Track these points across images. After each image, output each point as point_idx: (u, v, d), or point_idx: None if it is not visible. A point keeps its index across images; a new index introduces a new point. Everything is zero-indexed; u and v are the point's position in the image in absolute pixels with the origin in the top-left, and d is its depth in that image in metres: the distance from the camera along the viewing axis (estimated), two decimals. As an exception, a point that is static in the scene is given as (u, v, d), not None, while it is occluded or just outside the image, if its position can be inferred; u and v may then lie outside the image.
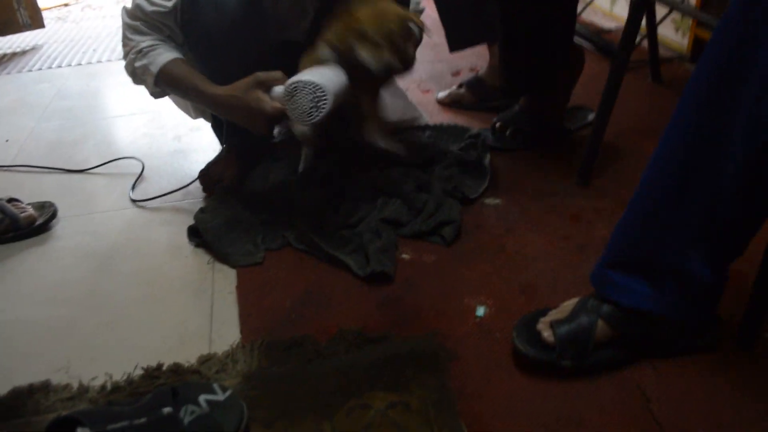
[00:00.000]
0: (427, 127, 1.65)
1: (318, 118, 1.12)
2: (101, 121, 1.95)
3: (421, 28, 1.23)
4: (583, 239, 1.25)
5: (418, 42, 1.26)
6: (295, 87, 1.12)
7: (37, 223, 1.41)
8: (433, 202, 1.32)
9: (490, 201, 1.39)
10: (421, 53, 2.13)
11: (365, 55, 1.15)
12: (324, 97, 1.12)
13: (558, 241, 1.24)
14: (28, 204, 1.45)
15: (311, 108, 1.12)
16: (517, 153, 1.57)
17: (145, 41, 1.26)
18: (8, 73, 2.42)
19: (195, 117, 1.54)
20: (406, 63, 1.20)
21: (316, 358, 1.01)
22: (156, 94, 1.33)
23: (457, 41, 1.75)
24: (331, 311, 1.11)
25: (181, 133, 1.78)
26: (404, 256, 1.23)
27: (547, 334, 0.96)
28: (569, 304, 1.00)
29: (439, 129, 1.63)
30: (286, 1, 1.31)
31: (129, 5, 1.28)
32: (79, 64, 2.46)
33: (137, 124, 1.88)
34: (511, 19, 1.41)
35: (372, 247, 1.20)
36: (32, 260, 1.32)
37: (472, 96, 1.82)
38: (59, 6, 3.38)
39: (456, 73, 2.09)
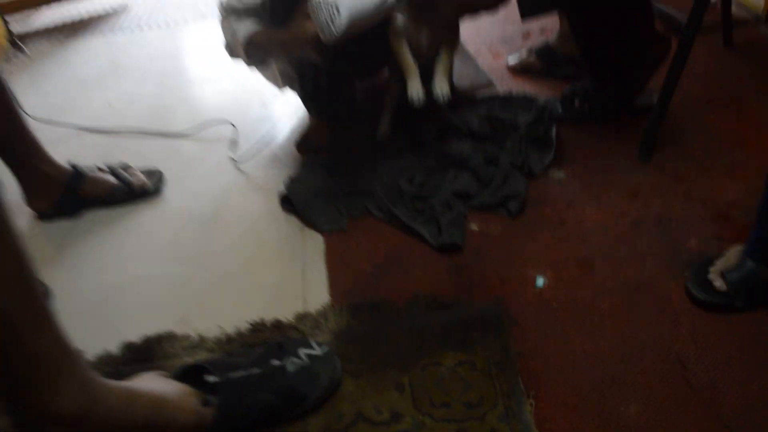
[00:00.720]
0: (496, 97, 1.75)
1: (332, 33, 1.26)
2: (192, 85, 2.13)
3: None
4: (638, 215, 1.36)
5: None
6: (316, 2, 1.27)
7: (148, 188, 1.62)
8: (501, 175, 1.45)
9: (555, 174, 1.50)
10: (493, 15, 2.21)
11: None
12: (336, 14, 1.25)
13: (615, 217, 1.36)
14: (138, 170, 1.65)
15: (327, 23, 1.26)
16: (583, 124, 1.66)
17: (233, 24, 1.45)
18: (102, 33, 2.62)
19: (282, 87, 1.69)
20: None
21: (395, 318, 1.18)
22: (249, 61, 1.51)
23: (528, 9, 1.82)
24: (407, 276, 1.27)
25: (266, 99, 1.94)
26: (473, 226, 1.37)
27: (719, 283, 1.12)
28: (735, 251, 1.14)
29: (508, 99, 1.73)
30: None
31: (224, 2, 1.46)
32: (167, 24, 2.63)
33: (225, 88, 2.05)
34: (585, 16, 1.47)
35: (444, 218, 1.35)
36: (146, 222, 1.53)
37: (542, 64, 1.89)
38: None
39: (527, 35, 2.15)
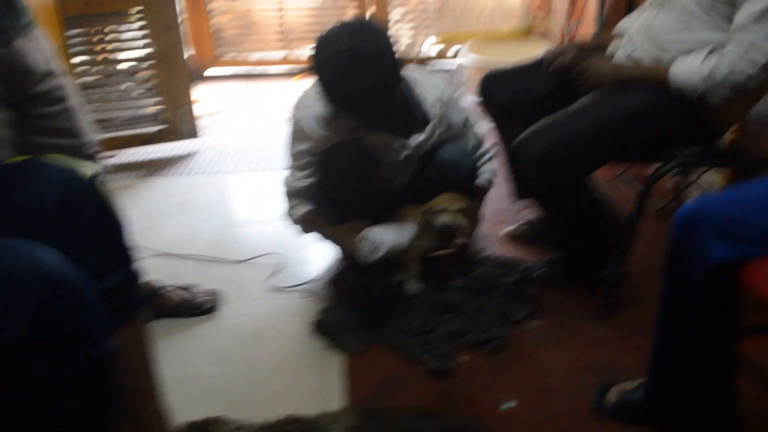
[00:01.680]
0: (489, 259, 2.18)
1: (365, 261, 1.87)
2: (247, 225, 2.61)
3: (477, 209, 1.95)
4: (592, 360, 1.73)
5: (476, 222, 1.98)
6: (362, 238, 1.86)
7: (206, 307, 2.02)
8: (487, 321, 1.85)
9: (531, 323, 1.90)
10: (499, 190, 2.69)
11: (444, 218, 1.82)
12: (377, 249, 1.84)
13: (574, 359, 1.73)
14: (200, 291, 2.07)
15: (369, 253, 1.84)
16: (560, 285, 2.06)
17: (292, 200, 1.99)
18: (173, 176, 3.17)
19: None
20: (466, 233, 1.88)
21: (396, 423, 1.53)
22: (303, 231, 2.06)
23: (522, 193, 2.28)
24: (407, 391, 1.64)
25: (309, 242, 2.39)
26: (462, 358, 1.75)
27: (612, 397, 1.52)
28: (639, 382, 1.51)
29: (497, 262, 2.16)
30: (386, 169, 1.94)
31: (287, 179, 2.00)
32: (225, 172, 3.17)
33: (276, 230, 2.51)
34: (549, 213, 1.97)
35: (439, 350, 1.73)
36: (205, 332, 1.93)
37: (531, 233, 2.34)
38: (211, 114, 4.20)
39: (521, 210, 2.61)
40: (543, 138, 1.81)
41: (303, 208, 1.98)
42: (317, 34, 1.70)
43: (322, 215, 2.00)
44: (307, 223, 2.02)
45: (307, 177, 1.95)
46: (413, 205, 2.00)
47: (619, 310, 1.93)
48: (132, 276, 1.15)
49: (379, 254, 1.86)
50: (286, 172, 2.00)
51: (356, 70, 1.64)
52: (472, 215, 1.98)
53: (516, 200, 2.37)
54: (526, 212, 2.56)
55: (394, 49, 1.72)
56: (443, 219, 1.89)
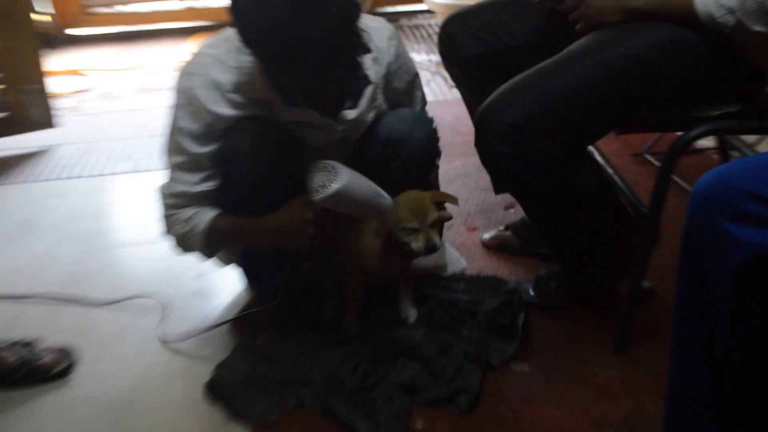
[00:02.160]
0: (462, 277, 2.14)
1: (322, 194, 1.67)
2: (119, 250, 2.54)
3: (454, 202, 1.86)
4: (602, 415, 1.69)
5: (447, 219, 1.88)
6: (323, 164, 1.71)
7: (55, 371, 1.93)
8: (453, 367, 1.80)
9: (516, 366, 1.85)
10: (474, 182, 2.68)
11: (413, 243, 1.79)
12: (335, 180, 1.67)
13: (576, 416, 1.69)
14: (46, 348, 1.99)
15: (320, 186, 1.68)
16: (557, 310, 2.03)
17: (185, 212, 1.87)
18: (14, 183, 3.08)
19: (227, 264, 2.09)
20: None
21: None
22: (208, 253, 1.94)
23: (500, 182, 2.25)
24: (339, 478, 1.58)
25: (201, 270, 2.33)
26: (417, 424, 1.70)
27: None
28: None
29: (474, 281, 2.12)
30: (312, 156, 1.87)
31: (165, 186, 1.89)
32: (92, 176, 3.10)
33: (157, 255, 2.44)
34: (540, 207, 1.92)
35: (384, 414, 1.68)
36: (48, 411, 1.84)
37: (517, 240, 2.31)
38: (74, 93, 4.12)
39: (509, 206, 2.59)
40: (519, 97, 1.77)
41: (203, 215, 1.86)
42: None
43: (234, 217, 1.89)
44: (214, 235, 1.87)
45: (202, 180, 1.86)
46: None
47: (638, 343, 1.89)
48: None
49: (334, 188, 1.68)
50: (164, 175, 1.91)
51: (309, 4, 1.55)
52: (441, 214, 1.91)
53: (495, 193, 2.34)
54: (510, 212, 2.54)
55: None
56: (421, 241, 1.82)
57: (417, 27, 4.98)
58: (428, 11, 4.79)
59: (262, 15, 1.57)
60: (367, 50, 1.81)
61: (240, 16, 1.62)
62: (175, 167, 1.87)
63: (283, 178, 1.85)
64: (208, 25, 5.10)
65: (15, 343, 1.97)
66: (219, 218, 1.87)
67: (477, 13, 2.17)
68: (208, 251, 1.95)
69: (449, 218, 1.88)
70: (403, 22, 5.07)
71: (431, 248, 1.78)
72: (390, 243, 1.86)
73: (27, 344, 1.99)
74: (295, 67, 1.63)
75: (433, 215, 1.80)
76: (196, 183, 1.86)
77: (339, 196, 1.69)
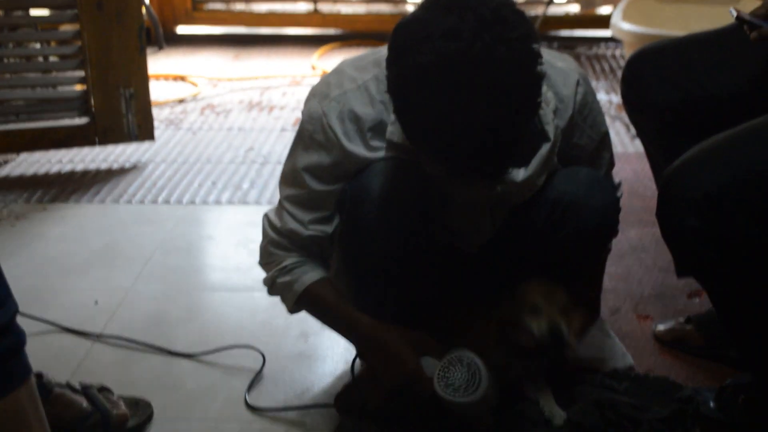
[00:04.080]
0: (626, 376, 2.17)
1: (453, 398, 1.79)
2: (213, 293, 2.69)
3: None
4: None
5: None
6: (457, 357, 1.82)
7: (129, 425, 2.07)
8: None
9: (686, 495, 1.87)
10: (651, 259, 2.69)
11: (534, 328, 1.86)
12: (480, 377, 1.79)
13: None
14: (120, 397, 2.13)
15: (466, 385, 1.79)
16: (745, 429, 2.03)
17: (289, 258, 1.97)
18: (103, 201, 3.29)
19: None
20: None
21: None
22: (294, 311, 2.04)
23: (685, 263, 2.27)
24: None
25: (309, 330, 2.44)
26: None
27: None
28: None
29: (641, 382, 2.14)
30: (457, 215, 1.96)
31: (273, 216, 2.00)
32: (189, 203, 3.28)
33: (257, 307, 2.57)
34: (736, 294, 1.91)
35: None
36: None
37: (700, 337, 2.31)
38: (173, 102, 4.37)
39: (694, 294, 2.60)
40: (719, 161, 1.79)
41: (306, 275, 1.97)
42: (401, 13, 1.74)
43: (340, 291, 2.00)
44: (309, 303, 2.01)
45: (318, 221, 1.96)
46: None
47: None
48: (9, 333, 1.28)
49: (480, 393, 1.82)
50: (273, 210, 2.03)
51: (479, 102, 1.59)
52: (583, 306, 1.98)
53: (677, 276, 2.36)
54: (695, 301, 2.54)
55: (539, 52, 1.68)
56: (544, 325, 1.89)
57: (597, 58, 5.02)
58: (613, 39, 4.84)
59: (422, 108, 1.64)
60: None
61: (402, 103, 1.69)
62: (288, 199, 1.97)
63: (416, 238, 1.93)
64: (337, 35, 5.31)
65: (89, 387, 2.09)
66: (321, 287, 1.97)
67: (675, 50, 2.20)
68: (295, 311, 2.06)
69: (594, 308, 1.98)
70: (581, 50, 5.14)
71: (556, 337, 1.85)
72: (507, 336, 1.94)
73: (102, 390, 2.11)
74: (465, 175, 1.75)
75: (563, 298, 1.88)
76: (308, 223, 1.94)
77: (470, 408, 1.82)
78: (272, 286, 2.03)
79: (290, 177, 1.97)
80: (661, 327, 2.41)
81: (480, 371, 1.82)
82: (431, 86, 1.60)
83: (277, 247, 1.99)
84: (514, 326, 1.91)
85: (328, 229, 1.95)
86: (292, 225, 1.95)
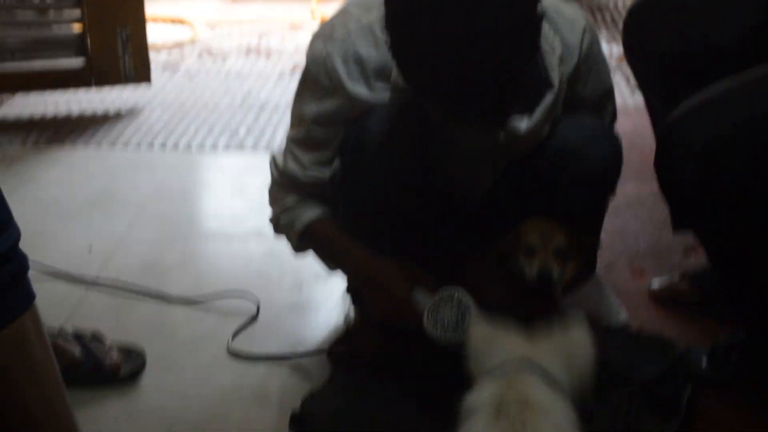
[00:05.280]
0: (618, 332, 2.17)
1: (440, 336, 1.80)
2: (208, 241, 2.69)
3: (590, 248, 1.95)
4: None
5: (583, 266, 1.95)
6: (449, 295, 1.82)
7: (121, 373, 2.07)
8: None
9: (674, 454, 1.88)
10: (648, 215, 2.69)
11: (526, 269, 1.85)
12: (469, 317, 1.78)
13: None
14: (113, 344, 2.13)
15: (455, 323, 1.80)
16: (737, 391, 2.03)
17: (290, 197, 1.98)
18: (99, 145, 3.28)
19: (332, 269, 2.19)
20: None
21: None
22: (299, 250, 2.05)
23: (683, 216, 2.26)
24: None
25: (304, 279, 2.44)
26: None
27: None
28: None
29: (634, 339, 2.14)
30: (459, 164, 1.95)
31: (278, 157, 2.00)
32: (185, 148, 3.27)
33: (251, 254, 2.58)
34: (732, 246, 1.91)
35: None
36: (109, 420, 1.98)
37: (695, 293, 2.31)
38: (171, 47, 4.34)
39: (689, 250, 2.59)
40: (719, 110, 1.78)
41: (306, 212, 1.99)
42: None
43: (342, 228, 2.01)
44: (310, 239, 2.03)
45: (318, 162, 1.97)
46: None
47: None
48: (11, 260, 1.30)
49: (466, 333, 1.81)
50: (281, 148, 2.03)
51: (474, 36, 1.57)
52: (581, 253, 1.97)
53: (673, 231, 2.35)
54: (690, 258, 2.54)
55: None
56: (536, 266, 1.90)
57: (600, 8, 4.99)
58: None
59: (419, 47, 1.63)
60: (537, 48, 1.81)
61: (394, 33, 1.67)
62: (291, 140, 1.98)
63: (419, 183, 1.94)
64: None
65: (81, 335, 2.10)
66: (320, 224, 1.99)
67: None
68: (300, 250, 2.07)
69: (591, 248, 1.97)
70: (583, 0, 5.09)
71: (545, 276, 1.85)
72: (502, 274, 1.94)
73: (94, 337, 2.11)
74: (462, 115, 1.73)
75: (561, 242, 1.86)
76: (308, 165, 1.95)
77: (454, 344, 1.80)
78: (276, 225, 2.06)
79: (294, 118, 1.99)
80: (655, 284, 2.41)
81: (470, 311, 1.83)
82: (427, 20, 1.59)
83: (280, 187, 2.01)
84: (509, 264, 1.92)
85: (326, 172, 1.96)
86: (292, 166, 1.96)
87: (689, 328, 2.25)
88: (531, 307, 1.94)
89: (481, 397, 1.54)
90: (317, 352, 2.16)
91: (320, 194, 1.99)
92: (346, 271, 2.07)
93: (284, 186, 2.00)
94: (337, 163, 1.96)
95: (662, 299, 2.37)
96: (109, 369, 2.08)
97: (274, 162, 2.02)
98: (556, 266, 1.86)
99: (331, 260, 2.08)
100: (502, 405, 1.50)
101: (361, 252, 1.96)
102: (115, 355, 2.10)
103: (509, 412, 1.49)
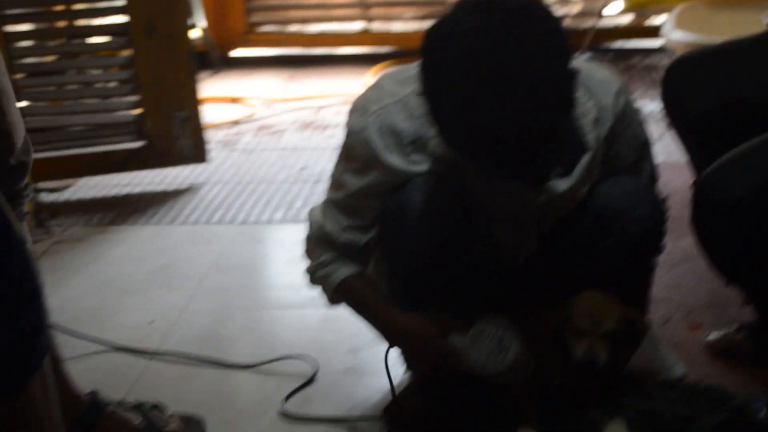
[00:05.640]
0: (675, 385, 2.16)
1: (497, 367, 1.80)
2: (266, 311, 2.74)
3: (643, 330, 1.97)
4: None
5: (635, 347, 1.98)
6: (477, 331, 1.84)
7: (181, 443, 2.12)
8: None
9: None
10: (703, 269, 2.68)
11: (573, 349, 1.86)
12: (505, 348, 1.80)
13: None
14: (173, 414, 2.17)
15: (492, 356, 1.81)
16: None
17: (327, 254, 2.02)
18: (158, 223, 3.36)
19: (380, 337, 2.22)
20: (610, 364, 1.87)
21: None
22: (333, 302, 2.09)
23: (732, 271, 2.25)
24: None
25: (360, 345, 2.47)
26: None
27: None
28: None
29: (691, 391, 2.13)
30: (502, 227, 1.98)
31: (317, 213, 2.05)
32: (243, 223, 3.34)
33: (307, 323, 2.61)
34: None
35: None
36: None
37: (752, 344, 2.29)
38: (227, 124, 4.44)
39: (746, 303, 2.57)
40: (753, 164, 1.80)
41: (341, 269, 2.02)
42: (434, 11, 1.77)
43: (376, 288, 2.06)
44: (344, 294, 2.06)
45: (355, 227, 2.00)
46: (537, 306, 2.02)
47: None
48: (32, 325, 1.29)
49: (509, 359, 1.85)
50: (319, 207, 2.08)
51: (510, 95, 1.63)
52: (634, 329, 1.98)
53: (725, 284, 2.35)
54: (748, 308, 2.52)
55: (568, 47, 1.73)
56: (583, 350, 1.90)
57: (650, 69, 4.99)
58: (666, 49, 4.81)
59: (457, 111, 1.69)
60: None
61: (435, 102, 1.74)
62: (330, 202, 2.03)
63: (462, 248, 1.96)
64: (390, 52, 5.36)
65: (141, 405, 2.14)
66: (355, 280, 2.03)
67: (712, 58, 2.22)
68: (334, 302, 2.10)
69: (644, 330, 1.99)
70: (633, 61, 5.12)
71: (590, 363, 1.86)
72: (549, 346, 1.95)
73: (154, 407, 2.15)
74: (503, 175, 1.80)
75: (611, 324, 1.87)
76: (344, 229, 1.99)
77: (502, 377, 1.85)
78: (312, 277, 2.10)
79: (334, 182, 2.05)
80: (713, 335, 2.39)
81: (508, 334, 1.85)
82: (462, 81, 1.65)
83: (317, 243, 2.05)
84: (561, 340, 1.93)
85: (363, 238, 2.00)
86: (329, 227, 2.01)
87: (748, 380, 2.23)
88: (577, 384, 1.99)
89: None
90: (372, 415, 2.17)
91: (355, 256, 2.04)
92: (379, 328, 2.09)
93: (320, 243, 2.04)
94: (374, 231, 2.01)
95: (720, 352, 2.35)
96: (169, 435, 2.12)
97: (312, 217, 2.07)
98: (603, 352, 1.87)
99: (365, 317, 2.10)
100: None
101: (394, 310, 2.01)
102: (175, 424, 2.14)
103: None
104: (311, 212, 2.08)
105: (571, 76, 1.70)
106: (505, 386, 1.96)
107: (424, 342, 1.96)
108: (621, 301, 1.93)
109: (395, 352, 2.18)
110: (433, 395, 2.11)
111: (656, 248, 2.06)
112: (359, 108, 1.97)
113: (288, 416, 2.19)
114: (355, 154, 1.95)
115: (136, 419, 2.11)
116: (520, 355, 1.85)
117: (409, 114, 1.89)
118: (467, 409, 2.07)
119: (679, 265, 2.81)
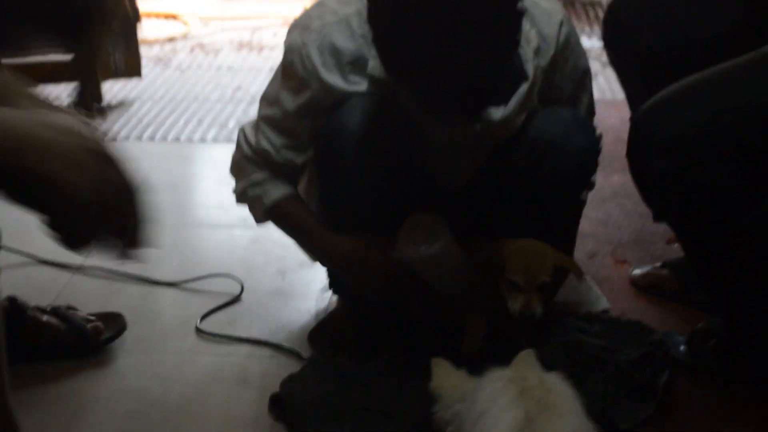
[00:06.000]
0: (598, 318, 2.19)
1: (413, 254, 1.83)
2: (193, 230, 2.71)
3: (578, 276, 2.01)
4: None
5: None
6: (423, 219, 1.87)
7: (104, 336, 2.11)
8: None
9: (647, 436, 1.90)
10: (633, 205, 2.71)
11: (509, 302, 1.90)
12: (441, 235, 1.83)
13: None
14: (93, 313, 2.15)
15: (414, 244, 1.84)
16: (714, 376, 2.05)
17: (260, 173, 1.99)
18: (87, 137, 3.30)
19: (314, 259, 2.21)
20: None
21: None
22: (260, 222, 2.07)
23: (660, 207, 2.27)
24: None
25: (288, 267, 2.47)
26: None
27: None
28: None
29: (613, 325, 2.16)
30: (436, 154, 1.97)
31: (249, 131, 2.02)
32: (177, 139, 3.30)
33: (236, 243, 2.60)
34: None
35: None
36: (89, 399, 2.01)
37: (675, 282, 2.33)
38: (163, 41, 4.36)
39: (673, 240, 2.61)
40: (689, 102, 1.81)
41: (276, 189, 2.00)
42: None
43: (310, 208, 2.05)
44: (278, 216, 2.05)
45: (290, 147, 1.99)
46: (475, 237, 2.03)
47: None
48: None
49: (440, 244, 1.86)
50: (250, 125, 2.05)
51: (456, 29, 1.64)
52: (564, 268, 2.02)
53: (654, 220, 2.37)
54: (673, 247, 2.56)
55: None
56: (519, 304, 1.92)
57: (592, 4, 4.98)
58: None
59: (402, 41, 1.68)
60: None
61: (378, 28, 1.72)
62: (264, 119, 2.00)
63: (395, 173, 1.95)
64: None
65: (56, 308, 2.14)
66: (289, 202, 2.02)
67: None
68: (262, 222, 2.09)
69: (579, 275, 2.04)
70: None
71: (528, 317, 1.89)
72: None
73: (69, 308, 2.15)
74: (441, 106, 1.79)
75: (546, 277, 1.90)
76: (280, 147, 1.97)
77: (431, 261, 1.84)
78: (242, 196, 2.07)
79: (269, 98, 2.01)
80: (637, 271, 2.43)
81: (439, 228, 1.88)
82: (410, 17, 1.64)
83: (249, 161, 2.02)
84: (495, 283, 1.96)
85: (299, 159, 1.99)
86: (265, 145, 1.98)
87: (669, 316, 2.29)
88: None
89: (498, 384, 1.57)
90: (298, 336, 2.19)
91: (290, 175, 2.02)
92: (316, 251, 2.10)
93: (255, 161, 2.01)
94: (309, 152, 1.99)
95: (643, 287, 2.40)
96: (93, 332, 2.11)
97: (244, 135, 2.03)
98: (539, 305, 1.91)
99: (298, 241, 2.10)
100: (525, 389, 1.53)
101: (331, 233, 1.99)
102: (95, 320, 2.14)
103: (533, 394, 1.52)
104: (242, 129, 2.05)
105: (518, 15, 1.69)
106: (449, 299, 1.98)
107: (367, 263, 1.97)
108: (554, 249, 1.96)
109: (322, 276, 2.19)
110: (361, 317, 2.12)
111: (587, 180, 2.08)
112: (300, 25, 1.95)
113: (204, 334, 2.21)
114: (293, 70, 1.92)
115: (55, 321, 2.10)
116: (450, 245, 1.87)
117: (351, 33, 1.87)
118: (408, 328, 2.10)
119: (608, 202, 2.85)
